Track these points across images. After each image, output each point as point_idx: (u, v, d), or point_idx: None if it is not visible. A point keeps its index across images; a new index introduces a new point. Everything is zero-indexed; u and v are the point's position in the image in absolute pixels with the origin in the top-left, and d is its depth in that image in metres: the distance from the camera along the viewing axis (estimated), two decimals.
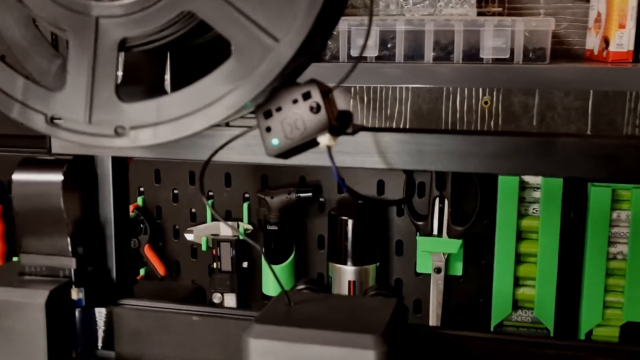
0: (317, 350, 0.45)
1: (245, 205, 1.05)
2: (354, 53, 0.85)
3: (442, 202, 0.98)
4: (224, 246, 1.05)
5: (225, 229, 1.05)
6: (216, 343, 0.55)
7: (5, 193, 1.14)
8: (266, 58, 0.42)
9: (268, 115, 0.47)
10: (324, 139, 0.47)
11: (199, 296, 0.65)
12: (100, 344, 0.58)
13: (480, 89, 0.99)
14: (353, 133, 0.49)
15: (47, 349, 0.54)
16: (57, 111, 0.46)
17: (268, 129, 0.47)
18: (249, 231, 1.05)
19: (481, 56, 0.84)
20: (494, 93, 1.00)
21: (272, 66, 0.42)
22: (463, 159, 0.52)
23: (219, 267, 1.06)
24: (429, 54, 0.84)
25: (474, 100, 1.00)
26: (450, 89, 1.00)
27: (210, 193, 1.07)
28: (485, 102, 1.00)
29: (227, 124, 0.57)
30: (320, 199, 1.04)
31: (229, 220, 1.06)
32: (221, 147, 0.52)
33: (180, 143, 0.58)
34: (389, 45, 0.85)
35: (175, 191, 1.09)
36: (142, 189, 1.09)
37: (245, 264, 1.06)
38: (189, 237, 1.07)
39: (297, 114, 0.47)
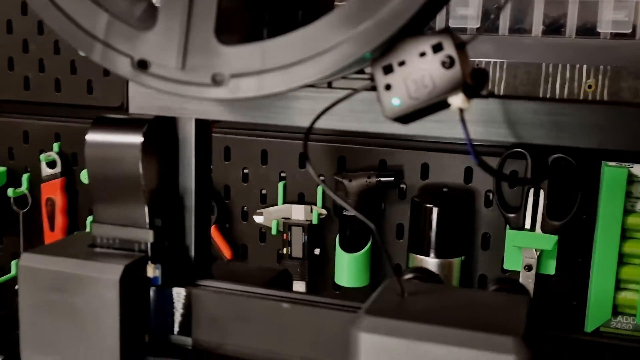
0: (441, 350, 0.37)
1: (319, 189, 0.98)
2: (453, 24, 0.77)
3: (537, 194, 0.89)
4: (296, 231, 0.99)
5: (297, 213, 0.99)
6: (308, 335, 0.48)
7: (69, 165, 1.10)
8: None
9: (388, 70, 0.40)
10: (457, 100, 0.39)
11: (285, 281, 0.58)
12: (176, 329, 0.52)
13: (585, 72, 0.90)
14: (488, 96, 0.42)
15: (120, 330, 0.48)
16: (145, 54, 0.39)
17: (388, 87, 0.40)
18: (323, 216, 0.99)
19: (598, 30, 0.74)
20: (599, 76, 0.90)
21: (405, 6, 0.35)
22: (613, 133, 0.44)
23: (289, 252, 0.99)
24: (537, 26, 0.76)
25: (575, 84, 0.91)
26: (550, 70, 0.91)
27: (283, 174, 1.01)
28: (589, 86, 0.91)
29: (329, 85, 0.50)
30: (401, 185, 0.96)
31: (301, 203, 1.00)
32: (324, 111, 0.45)
33: (272, 105, 0.51)
34: (492, 16, 0.77)
35: (246, 170, 1.02)
36: (210, 166, 1.03)
37: (317, 251, 0.99)
38: (259, 219, 1.01)
39: (424, 70, 0.39)
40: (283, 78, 0.37)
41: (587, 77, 0.90)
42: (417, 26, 0.37)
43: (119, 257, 0.50)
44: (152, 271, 0.50)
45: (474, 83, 0.40)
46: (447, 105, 0.40)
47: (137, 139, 0.49)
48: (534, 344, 0.38)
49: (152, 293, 0.51)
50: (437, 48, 0.39)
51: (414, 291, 0.42)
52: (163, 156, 0.52)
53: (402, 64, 0.39)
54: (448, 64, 0.39)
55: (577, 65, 0.87)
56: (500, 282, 0.46)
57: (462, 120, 0.40)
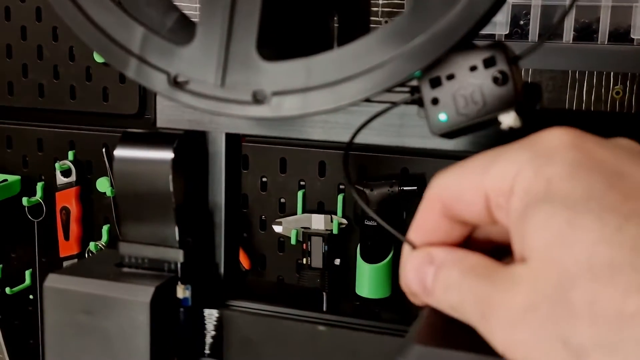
0: None
1: (340, 197, 0.97)
2: (484, 30, 0.75)
3: None
4: (316, 241, 0.97)
5: (317, 222, 0.97)
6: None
7: (84, 174, 1.08)
8: (453, 9, 0.33)
9: (436, 83, 0.38)
10: (508, 119, 0.37)
11: (317, 300, 0.56)
12: (207, 351, 0.50)
13: (612, 77, 0.88)
14: (539, 113, 0.40)
15: (150, 354, 0.46)
16: (182, 70, 0.37)
17: (435, 101, 0.38)
18: (344, 225, 0.97)
19: (632, 36, 0.72)
20: (628, 83, 0.88)
21: (461, 20, 0.33)
22: None
23: (308, 263, 0.97)
24: (568, 32, 0.74)
25: (603, 90, 0.89)
26: (577, 75, 0.89)
27: (302, 182, 0.99)
28: (617, 93, 0.89)
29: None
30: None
31: (321, 212, 0.98)
32: (363, 126, 0.43)
33: (307, 119, 0.49)
34: (522, 23, 0.75)
35: (264, 179, 1.01)
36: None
37: (337, 261, 0.97)
38: (277, 229, 0.99)
39: (474, 85, 0.37)
40: (330, 96, 0.35)
41: (616, 84, 0.88)
42: (470, 39, 0.35)
43: (149, 277, 0.48)
44: (182, 292, 0.49)
45: (526, 100, 0.38)
46: (498, 123, 0.38)
47: (167, 155, 0.48)
48: None
49: (181, 314, 0.49)
50: (488, 62, 0.37)
51: None
52: (193, 172, 0.50)
53: (450, 77, 0.38)
54: (500, 80, 0.37)
55: (605, 72, 0.86)
56: None
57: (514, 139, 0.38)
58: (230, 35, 0.36)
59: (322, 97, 0.35)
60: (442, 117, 0.38)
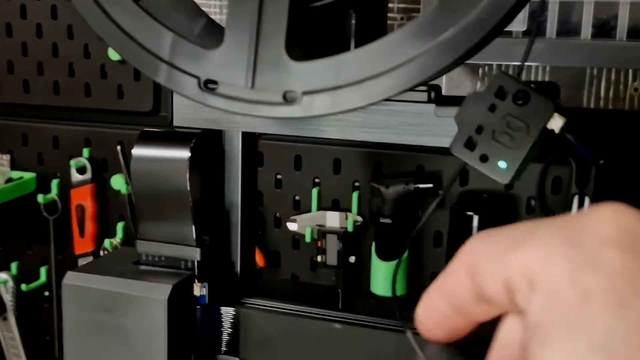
0: None
1: (355, 195, 0.96)
2: None
3: (582, 201, 0.87)
4: (330, 238, 0.97)
5: (332, 220, 0.96)
6: (362, 358, 0.46)
7: (99, 171, 1.08)
8: (482, 1, 0.33)
9: (471, 145, 0.38)
10: (556, 123, 0.37)
11: (333, 298, 0.56)
12: (223, 349, 0.50)
13: (630, 74, 0.87)
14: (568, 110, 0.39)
15: (167, 351, 0.46)
16: (212, 74, 0.37)
17: (484, 159, 0.38)
18: (359, 223, 0.96)
19: None
20: None
21: (489, 12, 0.33)
22: None
23: (323, 260, 0.97)
24: (587, 29, 0.73)
25: (621, 87, 0.88)
26: (595, 72, 0.88)
27: (317, 180, 0.99)
28: (635, 89, 0.88)
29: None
30: (440, 192, 0.94)
31: (336, 210, 0.97)
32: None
33: (322, 119, 0.49)
34: (540, 19, 0.74)
35: (279, 176, 1.00)
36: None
37: (352, 259, 0.97)
38: (292, 226, 0.99)
39: (505, 118, 0.37)
40: (360, 93, 0.35)
41: (634, 80, 0.87)
42: (499, 32, 0.35)
43: (166, 275, 0.48)
44: (198, 290, 0.49)
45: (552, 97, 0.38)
46: (549, 134, 0.37)
47: (184, 153, 0.48)
48: None
49: (198, 312, 0.49)
50: (499, 94, 0.37)
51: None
52: (210, 171, 0.50)
53: (479, 130, 0.37)
54: (522, 97, 0.36)
55: (623, 68, 0.85)
56: None
57: (573, 139, 0.37)
58: (259, 37, 0.36)
59: (352, 95, 0.35)
60: (502, 164, 0.37)
